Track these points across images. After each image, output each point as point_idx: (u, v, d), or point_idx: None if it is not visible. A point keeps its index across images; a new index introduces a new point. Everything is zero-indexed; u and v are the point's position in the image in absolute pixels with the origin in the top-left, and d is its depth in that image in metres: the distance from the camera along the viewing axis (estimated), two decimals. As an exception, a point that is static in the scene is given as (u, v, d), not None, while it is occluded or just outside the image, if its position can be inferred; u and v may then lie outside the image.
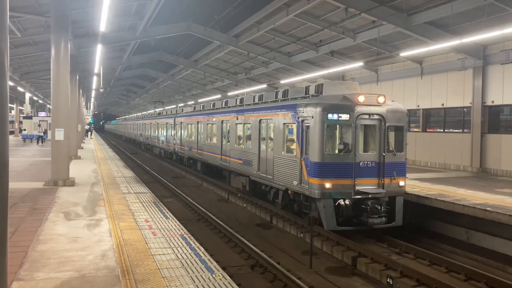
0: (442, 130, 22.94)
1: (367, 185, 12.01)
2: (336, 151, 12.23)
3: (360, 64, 23.47)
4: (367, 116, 12.16)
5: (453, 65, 21.34)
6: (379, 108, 12.25)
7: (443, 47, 18.31)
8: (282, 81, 32.73)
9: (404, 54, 20.37)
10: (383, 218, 11.84)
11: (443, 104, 22.25)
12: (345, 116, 11.92)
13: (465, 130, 21.32)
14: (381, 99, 12.22)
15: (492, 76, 19.67)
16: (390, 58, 24.25)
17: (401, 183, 12.41)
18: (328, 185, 11.66)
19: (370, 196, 11.83)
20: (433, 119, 23.90)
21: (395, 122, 12.52)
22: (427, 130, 23.75)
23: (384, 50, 22.82)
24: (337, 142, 12.58)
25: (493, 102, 19.68)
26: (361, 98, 11.97)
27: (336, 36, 23.39)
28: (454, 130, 22.39)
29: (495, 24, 16.41)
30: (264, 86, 36.28)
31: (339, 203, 11.69)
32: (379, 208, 11.79)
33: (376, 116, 12.24)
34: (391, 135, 12.65)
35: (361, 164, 11.99)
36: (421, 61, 23.34)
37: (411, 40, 21.20)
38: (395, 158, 12.40)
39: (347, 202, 11.71)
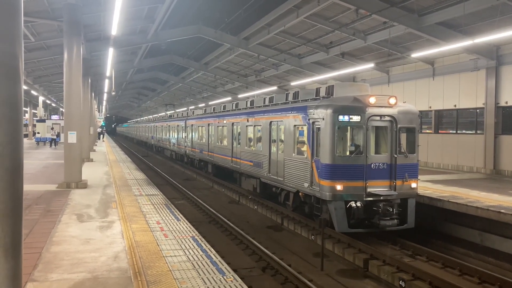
0: (454, 132, 22.71)
1: (378, 187, 11.92)
2: (347, 153, 12.17)
3: (371, 65, 23.35)
4: (378, 118, 12.08)
5: (465, 65, 21.12)
6: (391, 109, 12.17)
7: (455, 47, 18.12)
8: (293, 83, 32.71)
9: (415, 55, 20.22)
10: (395, 220, 11.74)
11: (455, 105, 22.03)
12: (356, 118, 11.87)
13: (478, 131, 21.07)
14: (392, 101, 12.15)
15: (506, 77, 19.43)
16: (401, 59, 24.08)
17: (413, 185, 12.31)
18: (339, 187, 11.60)
19: (382, 198, 11.75)
20: (446, 120, 23.67)
21: (407, 124, 12.42)
22: (439, 131, 23.53)
23: (395, 51, 22.68)
24: (348, 143, 12.51)
25: (506, 102, 19.43)
26: (372, 100, 11.90)
27: (346, 37, 23.32)
28: (467, 132, 22.15)
29: (509, 24, 16.20)
30: (274, 88, 36.29)
31: (350, 205, 11.64)
32: (391, 210, 11.70)
33: (387, 118, 12.17)
34: (403, 136, 12.56)
35: (372, 166, 11.92)
36: (432, 62, 23.14)
37: (423, 41, 21.03)
38: (407, 160, 12.30)
39: (358, 204, 11.64)
